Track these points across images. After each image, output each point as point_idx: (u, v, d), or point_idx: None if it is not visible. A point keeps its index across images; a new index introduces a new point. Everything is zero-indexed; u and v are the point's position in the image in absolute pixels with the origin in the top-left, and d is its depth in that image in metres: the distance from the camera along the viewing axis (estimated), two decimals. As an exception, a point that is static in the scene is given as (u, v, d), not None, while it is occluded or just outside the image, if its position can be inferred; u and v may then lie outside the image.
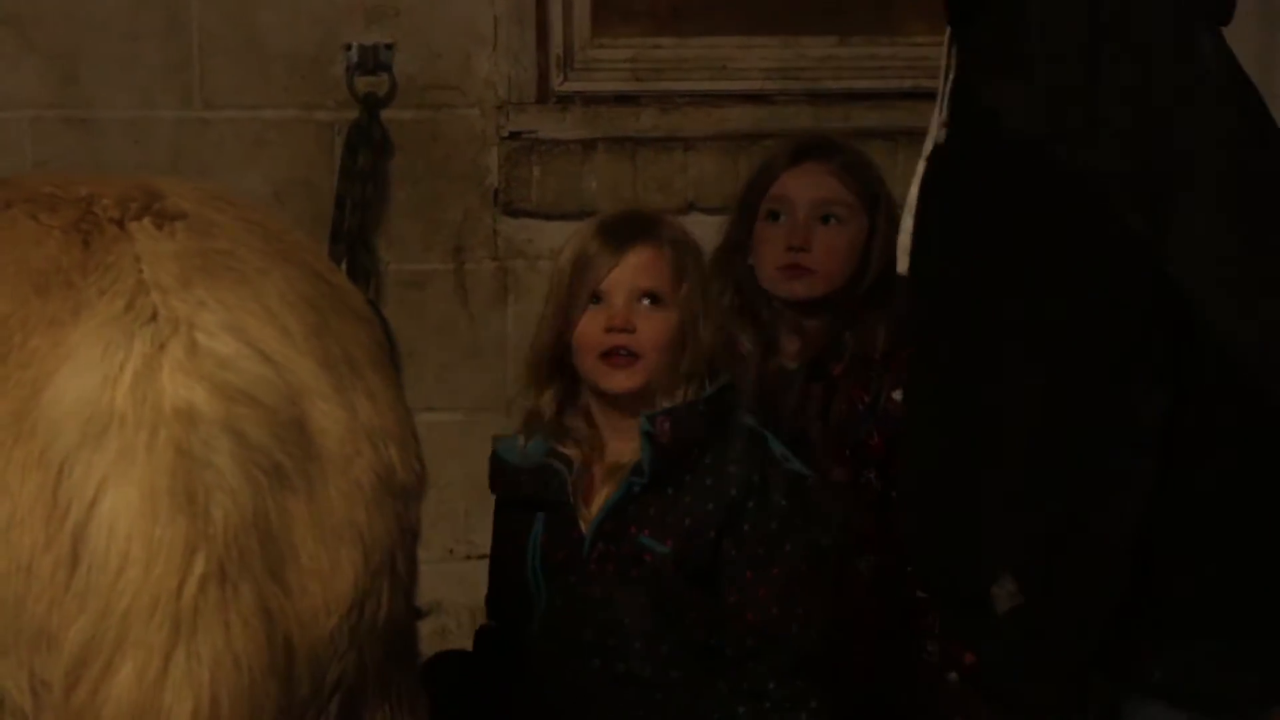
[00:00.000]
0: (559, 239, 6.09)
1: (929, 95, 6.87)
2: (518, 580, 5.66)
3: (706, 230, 6.17)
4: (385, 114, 7.15)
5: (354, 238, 7.03)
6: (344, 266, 6.35)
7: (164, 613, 3.47)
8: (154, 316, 3.57)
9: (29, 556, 3.48)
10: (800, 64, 7.47)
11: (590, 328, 5.64)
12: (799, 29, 7.32)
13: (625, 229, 5.64)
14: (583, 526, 5.58)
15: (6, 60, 6.93)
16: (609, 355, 5.59)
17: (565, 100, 7.39)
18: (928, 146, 4.97)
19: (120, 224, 3.78)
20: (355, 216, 7.02)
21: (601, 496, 5.71)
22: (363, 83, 7.11)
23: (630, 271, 5.66)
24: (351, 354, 3.89)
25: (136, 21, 6.93)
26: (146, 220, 3.80)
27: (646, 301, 5.72)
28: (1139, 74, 4.52)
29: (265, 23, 7.00)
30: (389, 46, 7.13)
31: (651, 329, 5.65)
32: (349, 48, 7.11)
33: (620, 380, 5.72)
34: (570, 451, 5.73)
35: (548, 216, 6.71)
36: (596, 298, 5.72)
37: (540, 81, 7.37)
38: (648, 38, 7.25)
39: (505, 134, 7.18)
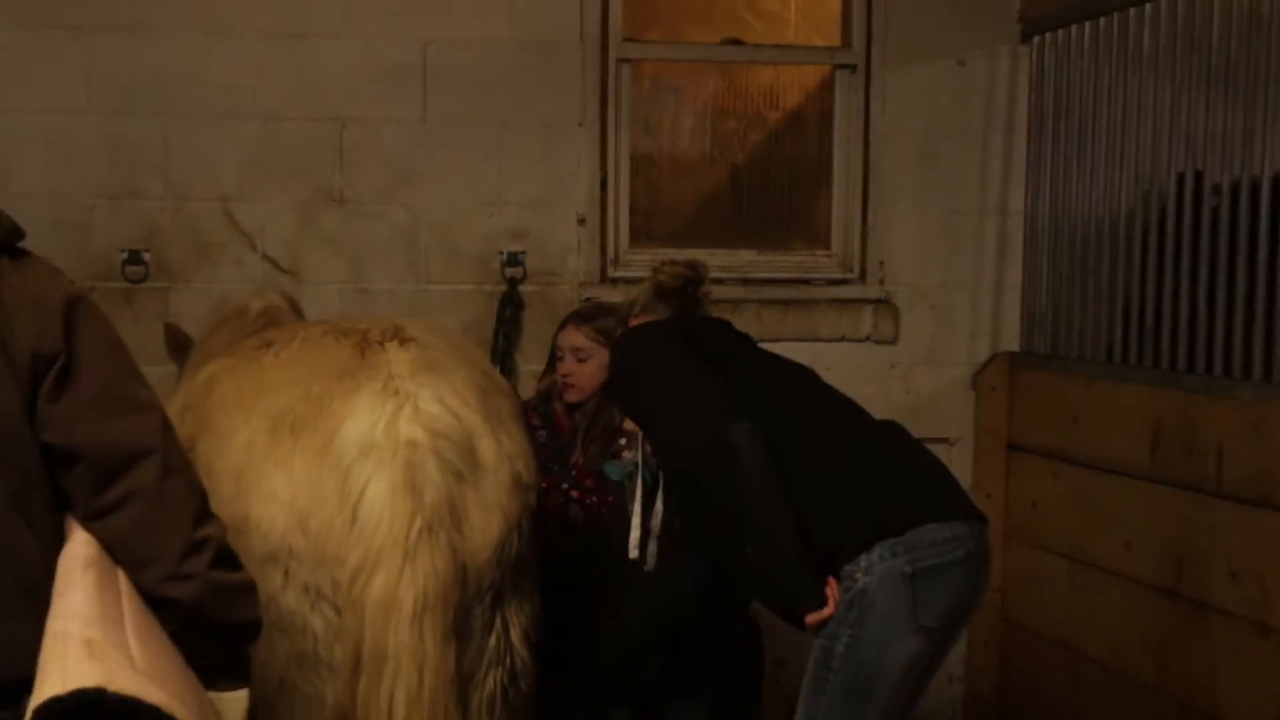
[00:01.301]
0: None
1: (807, 280, 7.11)
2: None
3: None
4: (521, 288, 7.24)
5: (503, 352, 7.14)
6: (498, 367, 6.53)
7: (399, 549, 4.19)
8: (396, 392, 4.38)
9: (331, 517, 4.27)
10: (738, 263, 7.46)
11: None
12: (736, 245, 7.55)
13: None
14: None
15: (327, 259, 7.09)
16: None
17: (615, 281, 7.33)
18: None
19: (381, 344, 4.57)
20: (503, 342, 7.13)
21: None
22: (509, 271, 7.23)
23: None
24: (500, 413, 4.62)
25: (392, 241, 7.12)
26: (394, 342, 4.57)
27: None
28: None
29: (460, 240, 7.20)
30: (524, 252, 7.22)
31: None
32: (502, 253, 7.24)
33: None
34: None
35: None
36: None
37: (602, 271, 7.37)
38: (658, 249, 7.30)
39: (583, 298, 7.18)
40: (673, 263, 5.47)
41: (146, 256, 7.00)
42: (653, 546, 5.23)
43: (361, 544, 4.18)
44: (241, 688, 3.46)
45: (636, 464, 5.39)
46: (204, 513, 3.28)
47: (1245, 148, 5.89)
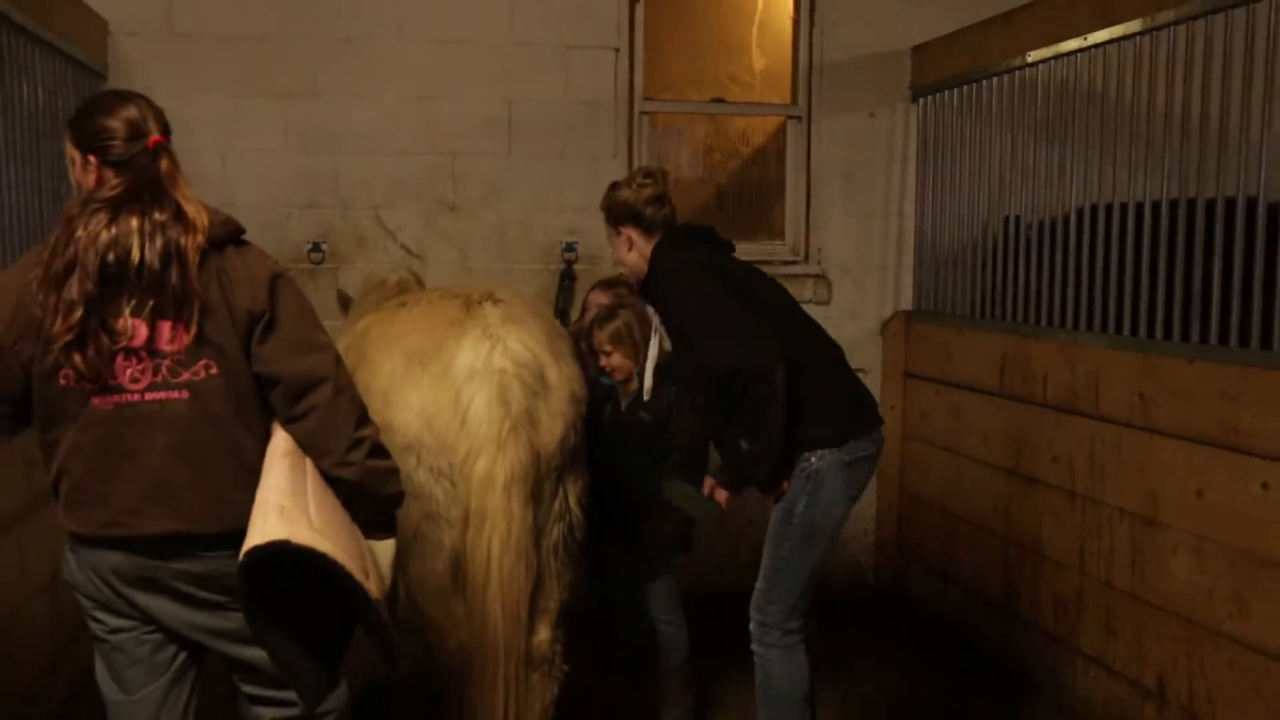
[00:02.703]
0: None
1: (769, 262, 6.99)
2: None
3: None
4: (575, 267, 7.19)
5: (562, 310, 7.03)
6: (558, 320, 6.45)
7: (494, 442, 4.20)
8: (491, 336, 4.37)
9: (448, 420, 4.27)
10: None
11: None
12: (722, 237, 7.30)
13: (610, 315, 5.31)
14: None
15: (444, 248, 7.12)
16: None
17: None
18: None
19: (480, 303, 4.54)
20: (561, 302, 7.05)
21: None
22: (567, 256, 7.19)
23: None
24: (561, 351, 4.65)
25: (487, 235, 7.12)
26: (489, 302, 4.56)
27: None
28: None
29: (533, 235, 7.18)
30: (576, 242, 7.18)
31: None
32: (562, 243, 7.19)
33: None
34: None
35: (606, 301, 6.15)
36: None
37: None
38: None
39: (616, 274, 6.54)
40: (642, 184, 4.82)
41: (324, 247, 7.02)
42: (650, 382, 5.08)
43: (469, 439, 4.22)
44: (390, 538, 3.53)
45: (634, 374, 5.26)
46: (363, 419, 3.33)
47: (1060, 175, 5.92)
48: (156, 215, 3.13)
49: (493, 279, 7.10)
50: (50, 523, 5.19)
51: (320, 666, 3.37)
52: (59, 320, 3.09)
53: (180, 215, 3.17)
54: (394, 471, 3.44)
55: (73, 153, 3.27)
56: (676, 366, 4.94)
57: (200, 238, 3.18)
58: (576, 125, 7.28)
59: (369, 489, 3.34)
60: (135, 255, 3.09)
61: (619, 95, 7.32)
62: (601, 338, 5.31)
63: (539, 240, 7.29)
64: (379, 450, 3.37)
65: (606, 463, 5.24)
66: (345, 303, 6.06)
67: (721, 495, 4.77)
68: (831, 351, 4.76)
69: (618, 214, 4.79)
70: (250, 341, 3.24)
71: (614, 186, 4.87)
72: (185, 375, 3.17)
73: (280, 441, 3.26)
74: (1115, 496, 5.37)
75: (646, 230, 4.76)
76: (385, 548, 3.51)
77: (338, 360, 3.35)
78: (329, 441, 3.26)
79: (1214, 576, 4.75)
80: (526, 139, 7.22)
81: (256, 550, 3.03)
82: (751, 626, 4.65)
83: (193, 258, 3.15)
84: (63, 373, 3.13)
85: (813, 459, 4.51)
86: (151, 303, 3.13)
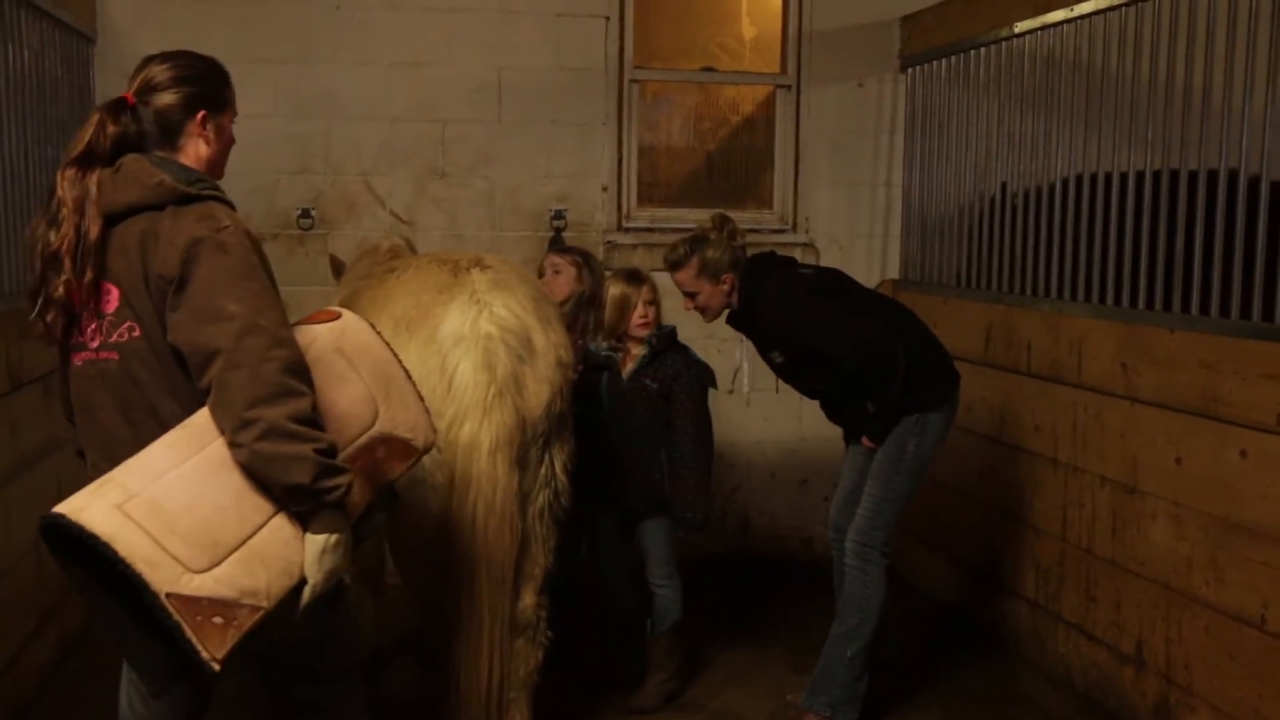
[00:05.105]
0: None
1: (757, 230, 6.97)
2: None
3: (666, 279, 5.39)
4: (564, 234, 7.14)
5: None
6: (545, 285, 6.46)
7: (480, 407, 4.17)
8: (478, 302, 4.31)
9: (434, 385, 4.17)
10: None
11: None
12: (708, 205, 7.29)
13: (638, 275, 5.45)
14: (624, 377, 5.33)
15: (433, 214, 7.10)
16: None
17: (626, 230, 7.29)
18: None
19: (468, 269, 4.47)
20: None
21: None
22: (556, 223, 7.17)
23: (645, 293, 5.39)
24: (548, 316, 4.58)
25: (476, 202, 7.13)
26: (477, 268, 4.48)
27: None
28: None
29: (524, 202, 7.15)
30: (565, 210, 7.17)
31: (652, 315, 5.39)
32: (550, 210, 7.17)
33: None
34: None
35: (617, 272, 6.17)
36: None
37: (618, 223, 7.29)
38: (657, 209, 7.28)
39: (605, 241, 7.19)
40: (730, 234, 5.29)
41: (313, 212, 7.02)
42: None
43: (454, 403, 4.19)
44: (327, 534, 3.10)
45: (616, 350, 5.41)
46: (264, 399, 2.99)
47: (1045, 146, 5.95)
48: (90, 179, 3.20)
49: (482, 246, 7.04)
50: (35, 485, 5.26)
51: (171, 650, 3.01)
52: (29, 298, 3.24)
53: (108, 179, 3.21)
54: (296, 459, 3.00)
55: None
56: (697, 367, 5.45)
57: (120, 198, 3.20)
58: (566, 93, 7.28)
59: (263, 474, 3.03)
60: (69, 225, 3.17)
61: (609, 63, 7.32)
62: (557, 260, 5.61)
63: (528, 207, 7.30)
64: (276, 433, 2.99)
65: (603, 431, 5.21)
66: (339, 268, 6.00)
67: (868, 445, 5.24)
68: (924, 330, 5.36)
69: (720, 268, 5.20)
70: (166, 307, 3.14)
71: (696, 246, 5.24)
72: (114, 337, 3.19)
73: (197, 414, 3.12)
74: (1097, 464, 5.42)
75: (740, 269, 5.24)
76: (311, 543, 3.10)
77: (244, 332, 3.05)
78: (219, 418, 3.04)
79: (1192, 544, 4.79)
80: (516, 107, 7.22)
81: (42, 519, 2.91)
82: (853, 547, 5.20)
83: (96, 225, 3.18)
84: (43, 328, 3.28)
85: (923, 407, 5.12)
86: (89, 267, 3.17)
